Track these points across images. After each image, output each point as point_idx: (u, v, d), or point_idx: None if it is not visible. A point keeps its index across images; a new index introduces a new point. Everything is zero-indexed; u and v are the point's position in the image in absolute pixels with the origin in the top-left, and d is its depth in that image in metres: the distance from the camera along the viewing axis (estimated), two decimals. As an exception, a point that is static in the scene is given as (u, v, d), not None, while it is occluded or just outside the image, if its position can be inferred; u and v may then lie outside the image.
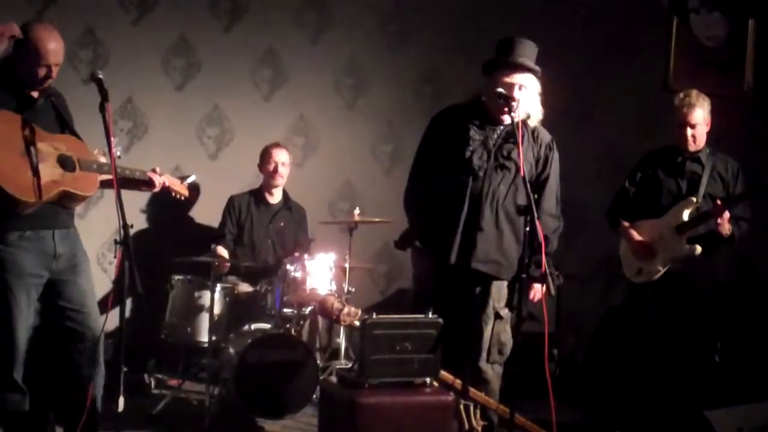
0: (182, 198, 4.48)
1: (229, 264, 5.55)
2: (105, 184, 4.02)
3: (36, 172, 3.82)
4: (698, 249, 4.67)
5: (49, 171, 3.85)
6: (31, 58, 3.88)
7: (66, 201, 3.98)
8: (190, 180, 4.52)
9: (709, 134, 4.83)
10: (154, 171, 4.25)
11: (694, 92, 4.82)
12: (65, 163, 3.92)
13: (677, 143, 4.83)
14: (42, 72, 3.89)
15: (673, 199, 4.81)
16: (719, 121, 4.93)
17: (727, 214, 4.59)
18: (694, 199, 4.73)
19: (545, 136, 4.22)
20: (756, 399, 4.86)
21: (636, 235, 4.83)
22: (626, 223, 4.90)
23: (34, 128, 3.87)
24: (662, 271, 4.77)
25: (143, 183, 4.24)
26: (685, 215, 4.72)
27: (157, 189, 4.27)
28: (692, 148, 4.80)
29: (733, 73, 6.97)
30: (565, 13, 6.79)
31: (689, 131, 4.76)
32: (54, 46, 3.89)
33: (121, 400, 3.49)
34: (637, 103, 6.77)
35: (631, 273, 4.93)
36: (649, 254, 4.78)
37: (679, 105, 4.79)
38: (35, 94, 3.96)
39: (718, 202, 4.63)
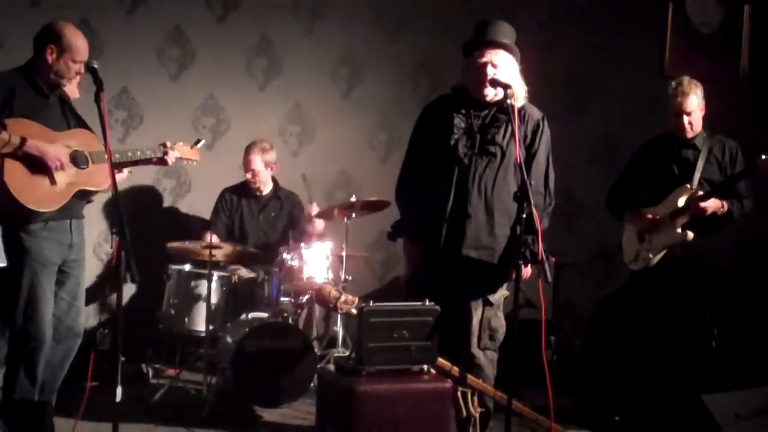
0: (194, 163, 4.61)
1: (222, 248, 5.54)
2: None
3: (53, 180, 3.88)
4: (690, 235, 4.69)
5: (64, 174, 3.92)
6: (68, 56, 3.98)
7: (83, 196, 4.06)
8: (200, 145, 4.59)
9: (705, 118, 4.84)
10: (164, 146, 4.29)
11: (686, 79, 4.83)
12: (78, 160, 3.98)
13: (675, 131, 4.84)
14: (76, 68, 4.00)
15: (668, 186, 4.82)
16: (715, 107, 4.94)
17: (708, 202, 4.62)
18: (689, 186, 4.75)
19: (534, 114, 4.14)
20: (753, 384, 4.87)
21: (645, 213, 4.84)
22: (631, 210, 4.94)
23: (45, 132, 3.91)
24: (659, 256, 4.79)
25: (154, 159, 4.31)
26: (680, 202, 4.73)
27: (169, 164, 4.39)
28: (690, 134, 4.82)
29: (728, 59, 6.97)
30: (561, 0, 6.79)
31: (686, 119, 4.78)
32: (85, 44, 4.05)
33: (119, 390, 3.48)
34: (633, 89, 6.76)
35: (629, 259, 4.96)
36: (657, 230, 4.80)
37: (673, 94, 4.79)
38: (48, 93, 4.03)
39: (700, 193, 4.67)
